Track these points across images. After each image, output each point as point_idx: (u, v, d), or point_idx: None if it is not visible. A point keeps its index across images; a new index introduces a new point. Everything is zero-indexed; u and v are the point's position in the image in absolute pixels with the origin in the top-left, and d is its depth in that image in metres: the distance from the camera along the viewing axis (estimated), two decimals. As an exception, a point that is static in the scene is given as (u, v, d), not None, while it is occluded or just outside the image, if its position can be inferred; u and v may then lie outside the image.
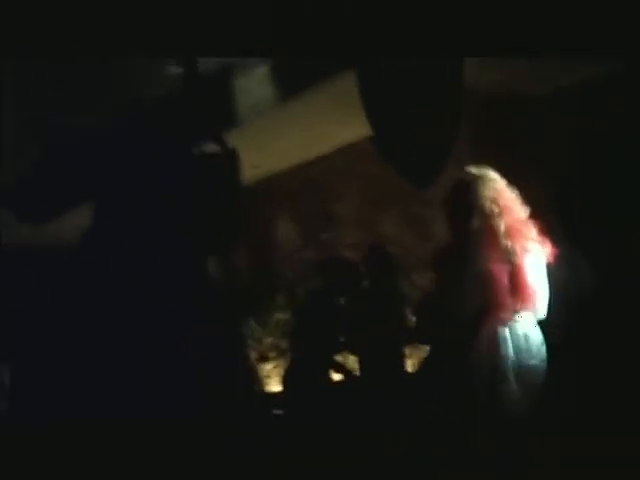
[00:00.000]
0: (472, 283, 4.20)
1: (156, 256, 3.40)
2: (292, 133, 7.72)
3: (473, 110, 5.63)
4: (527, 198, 4.28)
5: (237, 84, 6.67)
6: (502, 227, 4.20)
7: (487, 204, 4.21)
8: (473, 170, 4.28)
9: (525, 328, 4.24)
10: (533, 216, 4.26)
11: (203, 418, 3.15)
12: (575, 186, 5.81)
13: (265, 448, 3.54)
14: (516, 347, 4.20)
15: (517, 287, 4.19)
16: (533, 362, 4.21)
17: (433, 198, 7.31)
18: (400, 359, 6.15)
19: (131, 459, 3.11)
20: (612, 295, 5.18)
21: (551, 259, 4.25)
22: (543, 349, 4.26)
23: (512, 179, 4.31)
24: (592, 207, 5.83)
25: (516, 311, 4.20)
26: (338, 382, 6.39)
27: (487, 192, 4.23)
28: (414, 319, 6.19)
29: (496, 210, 4.20)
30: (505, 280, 4.18)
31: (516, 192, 4.26)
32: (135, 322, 3.27)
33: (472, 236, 4.21)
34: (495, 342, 4.18)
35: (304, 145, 8.34)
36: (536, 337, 4.27)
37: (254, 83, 6.67)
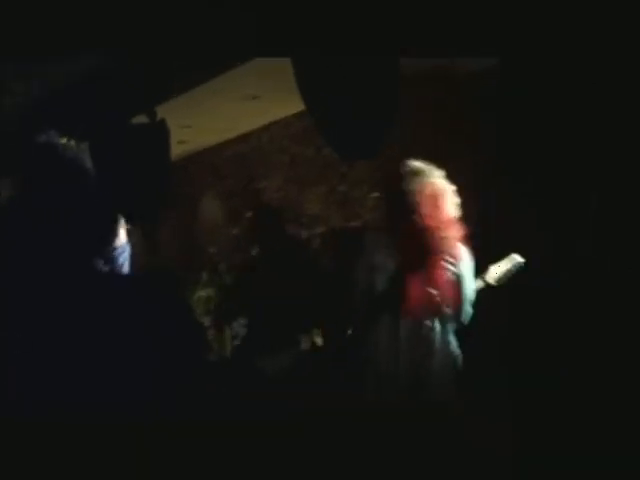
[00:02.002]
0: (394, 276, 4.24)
1: (79, 229, 3.28)
2: (219, 110, 7.68)
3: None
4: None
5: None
6: (438, 222, 4.22)
7: (429, 198, 4.23)
8: (418, 163, 4.30)
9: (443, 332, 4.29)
10: (462, 217, 4.29)
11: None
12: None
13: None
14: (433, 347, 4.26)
15: (439, 287, 4.23)
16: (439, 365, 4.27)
17: (361, 178, 7.39)
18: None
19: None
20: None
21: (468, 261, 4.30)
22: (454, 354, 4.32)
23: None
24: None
25: (438, 312, 4.25)
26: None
27: (430, 186, 4.25)
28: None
29: (437, 204, 4.23)
30: (437, 278, 4.21)
31: (453, 188, 4.28)
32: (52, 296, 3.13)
33: (409, 226, 4.23)
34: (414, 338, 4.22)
35: (231, 122, 8.31)
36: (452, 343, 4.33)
37: (181, 59, 6.59)
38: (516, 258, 4.47)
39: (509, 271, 4.45)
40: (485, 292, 4.43)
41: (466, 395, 4.24)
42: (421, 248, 4.19)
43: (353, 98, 4.20)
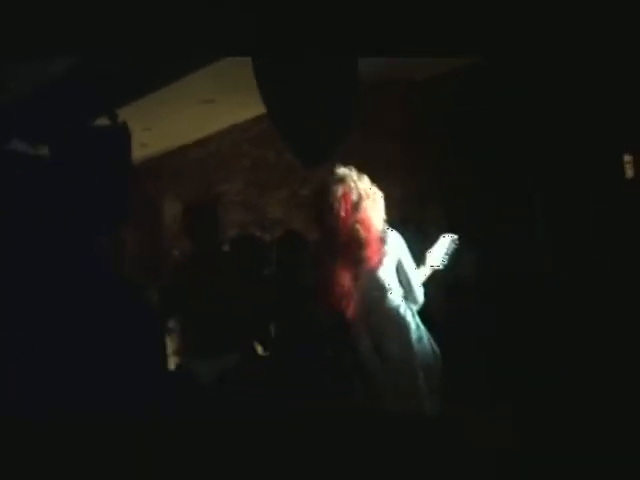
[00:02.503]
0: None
1: (43, 236, 3.28)
2: (178, 113, 7.66)
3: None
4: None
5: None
6: (347, 229, 4.29)
7: (338, 205, 4.30)
8: (338, 170, 4.37)
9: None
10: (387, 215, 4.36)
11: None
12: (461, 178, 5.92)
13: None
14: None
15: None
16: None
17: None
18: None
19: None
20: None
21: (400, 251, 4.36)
22: None
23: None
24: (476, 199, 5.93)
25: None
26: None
27: (340, 194, 4.31)
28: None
29: (346, 211, 4.30)
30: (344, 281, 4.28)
31: (377, 191, 4.35)
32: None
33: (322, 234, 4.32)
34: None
35: (192, 125, 8.29)
36: None
37: (144, 62, 6.57)
38: (448, 237, 4.63)
39: (446, 251, 4.62)
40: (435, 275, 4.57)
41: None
42: (333, 256, 4.27)
43: (313, 102, 4.22)
